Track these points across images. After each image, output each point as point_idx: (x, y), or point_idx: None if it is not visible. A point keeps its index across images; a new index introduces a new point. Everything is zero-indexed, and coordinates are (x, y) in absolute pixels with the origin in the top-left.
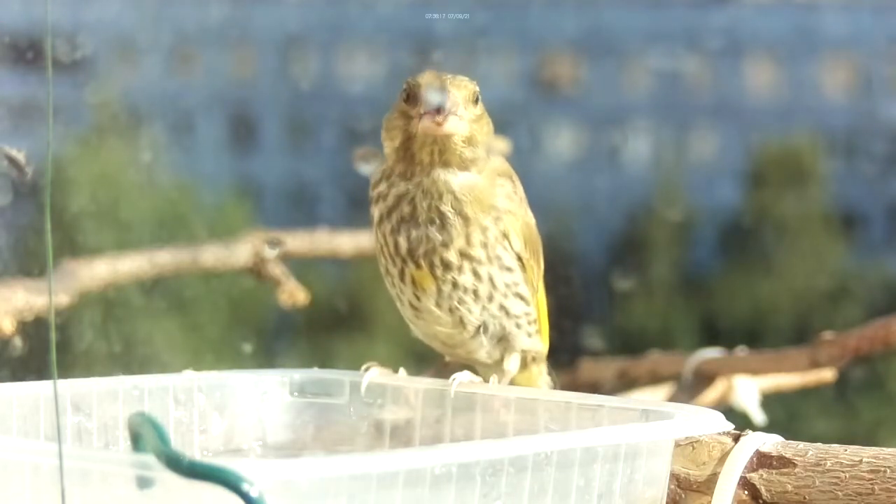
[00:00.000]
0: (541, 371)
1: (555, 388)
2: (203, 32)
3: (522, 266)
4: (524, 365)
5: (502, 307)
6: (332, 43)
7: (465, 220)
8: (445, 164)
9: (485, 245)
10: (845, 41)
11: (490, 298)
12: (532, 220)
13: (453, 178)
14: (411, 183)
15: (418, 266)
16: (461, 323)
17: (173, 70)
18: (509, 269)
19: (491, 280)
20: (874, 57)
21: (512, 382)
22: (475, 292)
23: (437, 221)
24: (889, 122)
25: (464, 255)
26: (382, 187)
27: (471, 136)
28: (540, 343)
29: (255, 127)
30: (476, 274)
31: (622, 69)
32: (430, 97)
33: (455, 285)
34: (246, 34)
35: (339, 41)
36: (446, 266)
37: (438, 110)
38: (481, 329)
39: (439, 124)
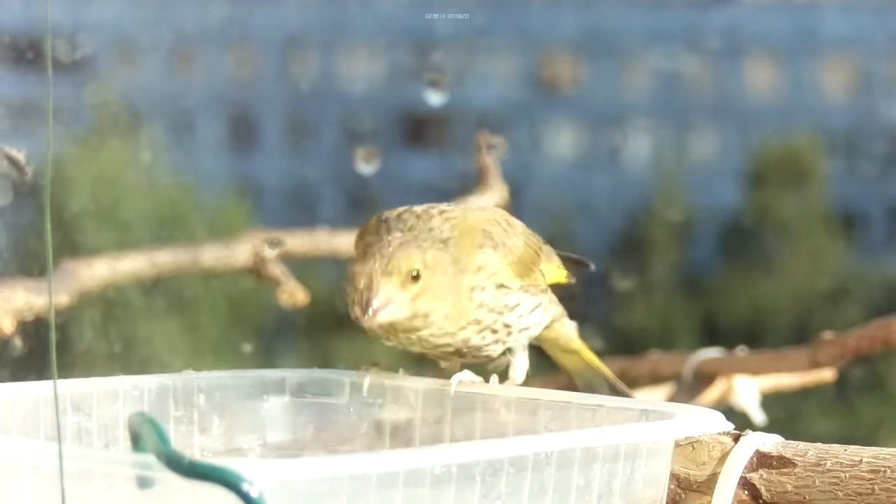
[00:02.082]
0: (563, 324)
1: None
2: (203, 32)
3: (525, 288)
4: (548, 326)
5: (521, 329)
6: (332, 43)
7: (462, 328)
8: (406, 332)
9: (491, 310)
10: (845, 41)
11: (508, 334)
12: (517, 245)
13: (426, 332)
14: (389, 341)
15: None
16: (488, 358)
17: (173, 70)
18: (517, 305)
19: (506, 326)
20: (874, 57)
21: (541, 339)
22: (495, 341)
23: (440, 346)
24: (889, 122)
25: (482, 330)
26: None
27: (414, 311)
28: (555, 308)
29: (255, 127)
30: (494, 331)
31: (622, 69)
32: (360, 295)
33: (479, 349)
34: (246, 34)
35: (339, 41)
36: (473, 347)
37: (367, 306)
38: (507, 352)
39: (370, 321)
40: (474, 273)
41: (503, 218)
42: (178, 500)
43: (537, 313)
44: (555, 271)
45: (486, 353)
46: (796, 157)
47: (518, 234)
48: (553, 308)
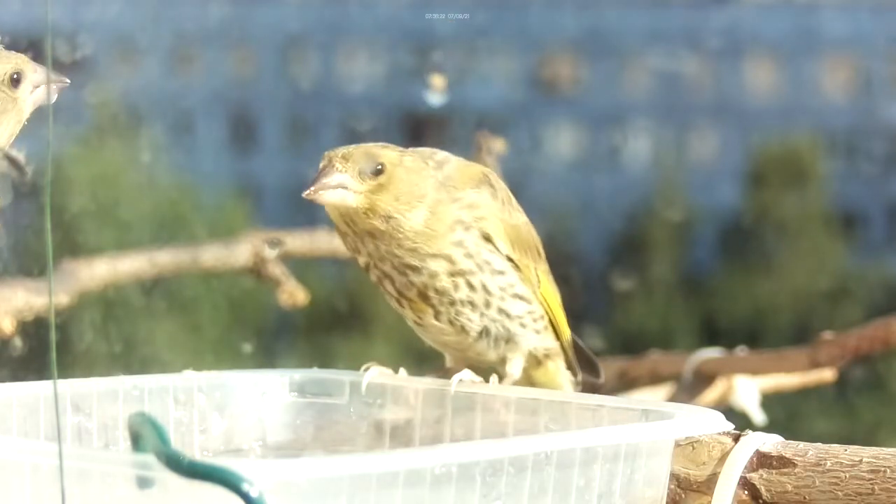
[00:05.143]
0: (558, 367)
1: (577, 382)
2: (203, 32)
3: (516, 266)
4: (538, 362)
5: (501, 310)
6: (332, 43)
7: (434, 255)
8: (371, 236)
9: (469, 255)
10: (845, 41)
11: (487, 305)
12: (518, 220)
13: (393, 242)
14: (361, 255)
15: (411, 301)
16: (464, 331)
17: (173, 70)
18: (501, 273)
19: (484, 287)
20: (874, 57)
21: (532, 381)
22: (471, 303)
23: (409, 271)
24: (889, 122)
25: (454, 273)
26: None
27: (371, 206)
28: (551, 339)
29: (255, 127)
30: (470, 285)
31: (622, 69)
32: (318, 173)
33: (452, 303)
34: (246, 34)
35: (339, 41)
36: (441, 293)
37: (314, 182)
38: (483, 333)
39: (311, 194)
40: (463, 208)
41: (510, 195)
42: (178, 500)
43: (525, 306)
44: (552, 292)
45: (460, 320)
46: (796, 157)
47: (521, 214)
48: (547, 336)
